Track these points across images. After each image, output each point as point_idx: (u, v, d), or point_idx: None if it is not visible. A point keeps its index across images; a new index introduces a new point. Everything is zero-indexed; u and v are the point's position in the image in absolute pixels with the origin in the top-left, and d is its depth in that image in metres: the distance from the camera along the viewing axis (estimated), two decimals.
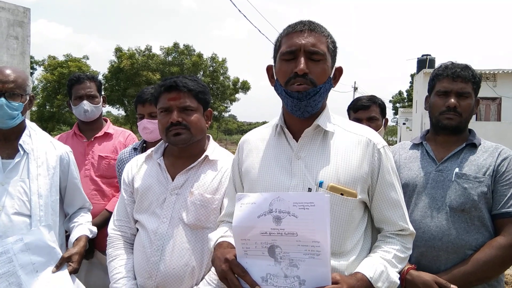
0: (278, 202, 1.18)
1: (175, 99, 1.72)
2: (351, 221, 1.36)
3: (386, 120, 2.62)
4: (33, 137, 1.97)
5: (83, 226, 2.06)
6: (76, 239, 1.98)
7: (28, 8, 8.09)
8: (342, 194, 1.33)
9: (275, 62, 1.42)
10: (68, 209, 2.12)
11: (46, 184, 1.92)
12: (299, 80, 1.32)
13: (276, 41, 1.42)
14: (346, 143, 1.38)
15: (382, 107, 2.56)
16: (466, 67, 1.83)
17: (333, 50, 1.38)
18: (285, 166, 1.40)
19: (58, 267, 1.81)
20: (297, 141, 1.41)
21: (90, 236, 2.06)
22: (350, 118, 2.58)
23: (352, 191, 1.34)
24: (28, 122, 2.01)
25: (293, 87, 1.33)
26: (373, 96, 2.60)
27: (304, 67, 1.30)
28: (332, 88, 1.42)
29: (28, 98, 1.93)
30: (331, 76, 1.38)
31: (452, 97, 1.79)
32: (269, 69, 1.46)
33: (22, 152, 1.90)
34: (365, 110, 2.49)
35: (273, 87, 1.43)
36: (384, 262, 1.32)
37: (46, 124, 24.39)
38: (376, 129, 2.46)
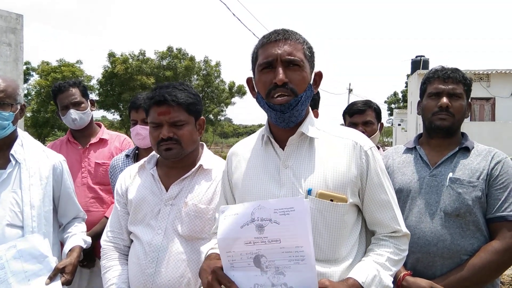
0: (259, 210, 1.19)
1: (164, 113, 1.67)
2: (344, 227, 1.34)
3: (382, 125, 2.63)
4: (25, 146, 1.94)
5: (77, 237, 2.02)
6: (69, 250, 1.95)
7: (21, 15, 8.04)
8: (331, 200, 1.31)
9: (254, 74, 1.41)
10: (62, 219, 2.09)
11: (38, 194, 1.89)
12: (279, 90, 1.30)
13: (252, 53, 1.40)
14: (333, 148, 1.37)
15: (377, 112, 2.57)
16: (456, 70, 1.84)
17: (310, 56, 1.37)
18: (273, 175, 1.38)
19: (52, 278, 1.78)
20: (283, 150, 1.39)
21: (84, 246, 2.03)
22: (345, 122, 2.59)
23: (342, 196, 1.32)
24: (20, 131, 1.98)
25: (274, 100, 1.32)
26: (368, 100, 2.61)
27: (283, 77, 1.29)
28: (314, 92, 1.40)
29: (19, 107, 1.90)
30: (311, 82, 1.37)
31: (444, 97, 1.79)
32: (249, 81, 1.44)
33: (14, 162, 1.87)
34: (360, 114, 2.50)
35: (255, 99, 1.42)
36: (376, 266, 1.31)
37: (41, 130, 24.20)
38: (372, 133, 2.47)
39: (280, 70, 1.30)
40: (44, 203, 1.91)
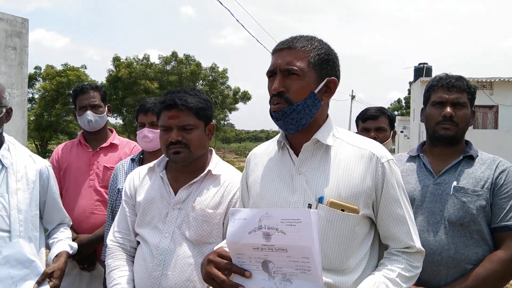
0: (266, 218, 1.18)
1: (174, 117, 1.71)
2: (354, 238, 1.32)
3: (395, 132, 2.64)
4: (12, 151, 1.93)
5: (63, 242, 2.02)
6: (56, 255, 1.95)
7: (26, 19, 8.10)
8: (343, 210, 1.29)
9: None
10: (47, 225, 2.09)
11: (25, 198, 1.88)
12: (274, 99, 1.34)
13: None
14: (348, 157, 1.35)
15: (390, 119, 2.58)
16: (460, 78, 1.83)
17: (319, 63, 1.34)
18: (287, 181, 1.38)
19: (40, 282, 1.78)
20: (298, 156, 1.39)
21: (71, 252, 2.03)
22: (358, 128, 2.61)
23: (354, 207, 1.30)
24: (6, 136, 1.97)
25: (271, 107, 1.36)
26: (382, 107, 2.64)
27: (278, 86, 1.32)
28: (326, 100, 1.39)
29: (4, 110, 1.89)
30: (316, 90, 1.34)
31: (448, 107, 1.78)
32: None
33: (0, 166, 1.86)
34: (374, 120, 2.50)
35: None
36: (386, 281, 1.28)
37: (43, 134, 24.25)
38: (384, 139, 2.47)
39: (277, 80, 1.33)
40: (31, 208, 1.90)
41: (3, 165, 1.87)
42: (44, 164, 2.04)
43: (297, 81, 1.32)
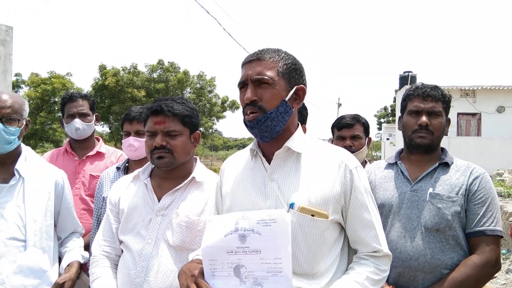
0: (243, 220, 1.24)
1: (160, 123, 1.74)
2: (324, 242, 1.36)
3: (370, 139, 2.64)
4: (29, 161, 1.98)
5: (75, 252, 2.05)
6: (68, 265, 1.97)
7: (11, 27, 8.03)
8: (312, 215, 1.34)
9: None
10: (61, 234, 2.12)
11: (41, 209, 1.92)
12: (248, 108, 1.39)
13: None
14: (318, 164, 1.41)
15: (365, 126, 2.58)
16: (436, 87, 1.88)
17: (288, 72, 1.40)
18: (260, 188, 1.42)
19: None
20: (270, 163, 1.43)
21: (82, 261, 2.05)
22: (333, 136, 2.61)
23: (323, 212, 1.35)
24: (23, 146, 2.01)
25: (245, 116, 1.41)
26: (357, 115, 2.62)
27: (250, 96, 1.37)
28: (295, 107, 1.44)
29: (24, 122, 1.95)
30: (287, 98, 1.40)
31: (424, 116, 1.83)
32: None
33: (18, 177, 1.90)
34: (349, 128, 2.51)
35: None
36: (355, 284, 1.32)
37: (28, 141, 23.83)
38: (360, 147, 2.49)
39: (249, 90, 1.38)
40: (46, 218, 1.93)
41: (20, 175, 1.91)
42: (59, 174, 2.08)
43: (268, 90, 1.37)
